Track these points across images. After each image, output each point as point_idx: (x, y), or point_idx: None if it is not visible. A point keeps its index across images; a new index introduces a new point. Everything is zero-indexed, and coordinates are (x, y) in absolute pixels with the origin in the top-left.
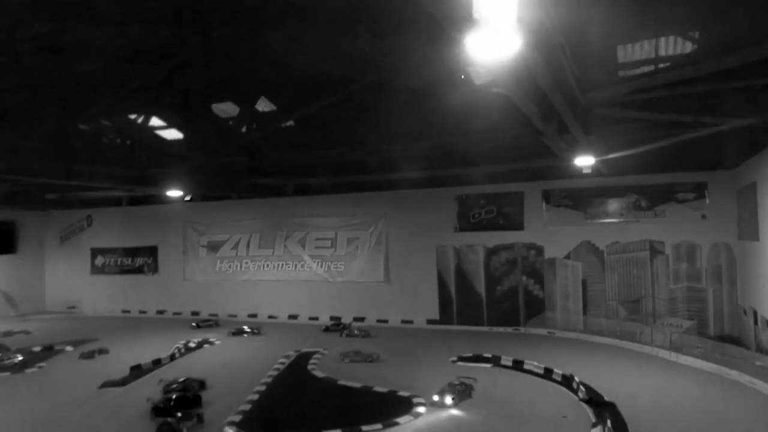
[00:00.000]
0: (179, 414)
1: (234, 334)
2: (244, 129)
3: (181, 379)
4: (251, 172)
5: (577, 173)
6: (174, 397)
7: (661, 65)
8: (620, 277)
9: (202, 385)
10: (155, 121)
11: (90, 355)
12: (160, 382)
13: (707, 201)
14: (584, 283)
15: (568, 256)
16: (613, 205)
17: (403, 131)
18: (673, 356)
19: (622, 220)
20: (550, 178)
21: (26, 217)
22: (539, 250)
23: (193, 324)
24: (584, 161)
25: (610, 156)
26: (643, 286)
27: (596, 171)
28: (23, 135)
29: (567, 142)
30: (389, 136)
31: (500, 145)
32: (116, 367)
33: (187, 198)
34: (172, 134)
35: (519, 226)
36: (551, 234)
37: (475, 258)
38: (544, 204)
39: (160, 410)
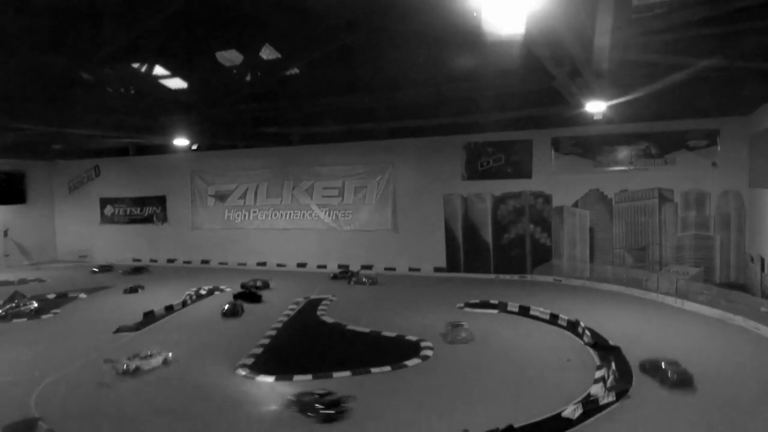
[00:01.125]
0: None
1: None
2: (248, 77)
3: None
4: (256, 121)
5: (588, 120)
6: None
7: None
8: (628, 225)
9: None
10: (159, 70)
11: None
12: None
13: (719, 148)
14: (591, 231)
15: (576, 204)
16: (623, 152)
17: (411, 77)
18: (678, 302)
19: (631, 168)
20: (560, 126)
21: (34, 168)
22: (547, 199)
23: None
24: (595, 107)
25: (622, 99)
26: (651, 234)
27: (607, 118)
28: (26, 82)
29: (578, 86)
30: (397, 83)
31: (509, 91)
32: (129, 314)
33: (194, 147)
34: (176, 83)
35: (527, 174)
36: (559, 182)
37: (483, 206)
38: (552, 152)
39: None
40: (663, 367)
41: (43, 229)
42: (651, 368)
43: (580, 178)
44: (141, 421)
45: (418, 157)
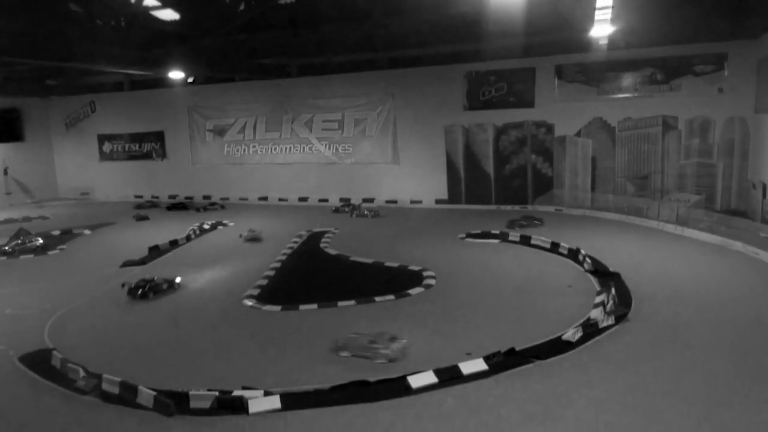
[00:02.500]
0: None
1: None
2: (242, 6)
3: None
4: (252, 52)
5: (593, 46)
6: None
7: None
8: (630, 154)
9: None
10: (150, 1)
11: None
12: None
13: (726, 73)
14: (594, 160)
15: (578, 134)
16: (628, 79)
17: (410, 4)
18: (679, 230)
19: (636, 95)
20: (564, 53)
21: (29, 104)
22: (549, 128)
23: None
24: (601, 31)
25: (628, 23)
26: (653, 163)
27: (612, 43)
28: (16, 16)
29: (584, 7)
30: (396, 8)
31: (512, 17)
32: (134, 249)
33: (190, 80)
34: (168, 14)
35: (530, 104)
36: (562, 111)
37: (485, 137)
38: (556, 80)
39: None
40: None
41: (42, 167)
42: None
43: (584, 106)
44: (150, 350)
45: (419, 87)
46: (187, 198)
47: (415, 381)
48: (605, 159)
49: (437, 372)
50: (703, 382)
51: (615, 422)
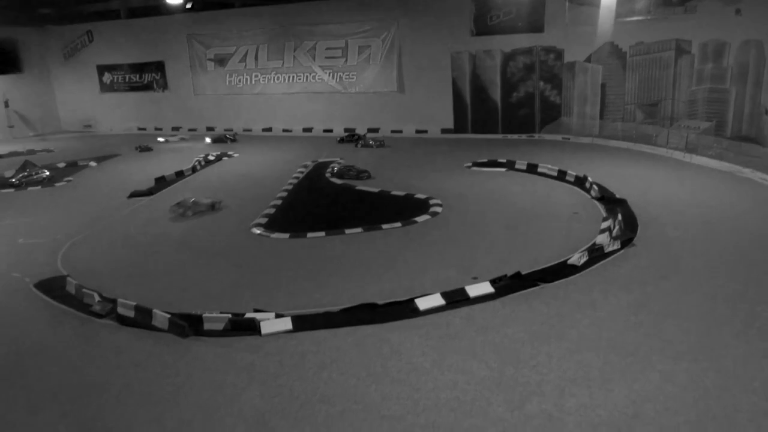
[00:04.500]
0: None
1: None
2: None
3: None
4: None
5: None
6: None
7: None
8: (641, 80)
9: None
10: None
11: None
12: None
13: None
14: (603, 87)
15: (588, 59)
16: (642, 1)
17: None
18: (687, 157)
19: (649, 17)
20: None
21: (25, 35)
22: (559, 54)
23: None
24: None
25: None
26: (664, 89)
27: None
28: None
29: None
30: None
31: None
32: (140, 180)
33: (188, 5)
34: None
35: (539, 28)
36: (572, 36)
37: (492, 63)
38: (567, 2)
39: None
40: None
41: (43, 99)
42: None
43: (595, 30)
44: (161, 275)
45: (425, 12)
46: (190, 129)
47: (423, 303)
48: (615, 85)
49: (444, 295)
50: (705, 302)
51: (617, 339)
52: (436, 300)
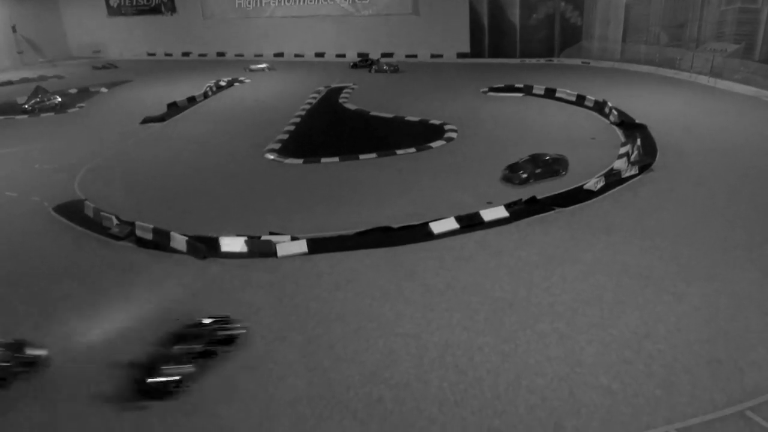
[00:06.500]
0: None
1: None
2: None
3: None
4: None
5: None
6: None
7: None
8: (667, 0)
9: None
10: None
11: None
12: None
13: None
14: (627, 7)
15: None
16: None
17: None
18: (712, 81)
19: None
20: None
21: None
22: None
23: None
24: None
25: None
26: (692, 9)
27: None
28: None
29: None
30: None
31: None
32: (152, 106)
33: None
34: None
35: None
36: None
37: None
38: None
39: None
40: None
41: (50, 24)
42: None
43: None
44: (176, 200)
45: None
46: (200, 55)
47: (437, 227)
48: (640, 6)
49: (458, 219)
50: (723, 227)
51: (631, 263)
52: (450, 224)
